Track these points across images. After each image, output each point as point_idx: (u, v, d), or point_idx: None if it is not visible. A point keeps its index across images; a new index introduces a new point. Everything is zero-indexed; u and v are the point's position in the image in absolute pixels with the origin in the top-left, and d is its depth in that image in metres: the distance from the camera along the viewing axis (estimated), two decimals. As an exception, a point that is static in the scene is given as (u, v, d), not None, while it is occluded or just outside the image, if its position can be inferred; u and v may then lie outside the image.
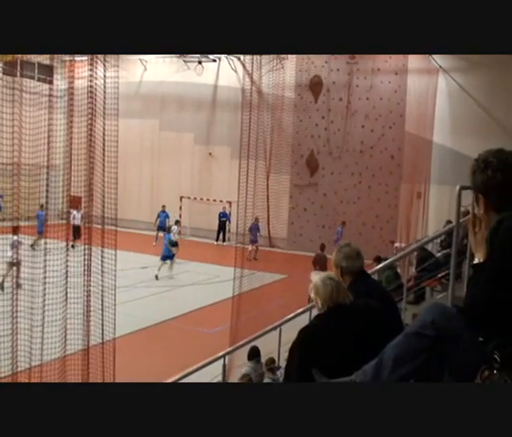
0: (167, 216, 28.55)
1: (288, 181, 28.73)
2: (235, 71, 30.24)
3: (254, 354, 9.85)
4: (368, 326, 3.67)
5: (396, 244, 24.16)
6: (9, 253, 15.76)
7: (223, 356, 8.74)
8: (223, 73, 31.17)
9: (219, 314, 16.54)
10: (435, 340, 2.80)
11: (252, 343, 9.92)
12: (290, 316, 9.56)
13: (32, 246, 18.76)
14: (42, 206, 19.39)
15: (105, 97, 8.17)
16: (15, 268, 15.47)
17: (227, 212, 29.92)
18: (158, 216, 28.64)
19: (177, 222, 23.52)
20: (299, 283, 19.95)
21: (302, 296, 15.24)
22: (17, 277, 13.83)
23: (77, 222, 22.27)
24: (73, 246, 18.49)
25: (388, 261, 8.81)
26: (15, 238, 15.87)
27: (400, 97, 26.68)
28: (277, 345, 9.90)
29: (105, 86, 8.13)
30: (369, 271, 5.40)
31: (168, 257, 21.20)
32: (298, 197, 29.38)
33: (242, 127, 12.77)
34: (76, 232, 20.82)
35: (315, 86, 28.63)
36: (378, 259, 12.99)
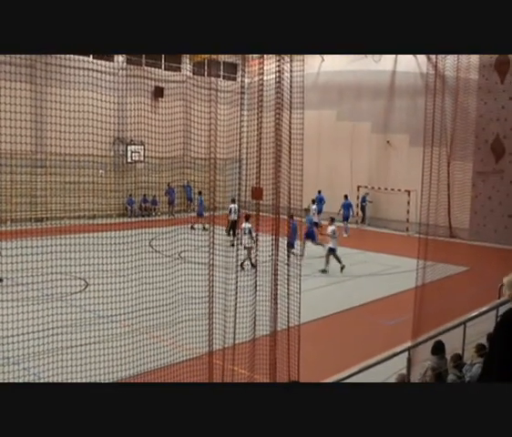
0: (350, 204, 29.90)
1: (470, 168, 27.24)
2: (415, 56, 29.40)
3: (439, 349, 9.47)
4: None
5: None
6: (245, 239, 18.80)
7: (408, 349, 8.53)
8: (402, 58, 30.38)
9: (397, 306, 16.27)
10: None
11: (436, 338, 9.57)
12: (475, 313, 9.12)
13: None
14: (200, 192, 25.79)
15: (291, 91, 8.46)
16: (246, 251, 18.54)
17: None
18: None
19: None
20: (482, 276, 18.96)
21: (486, 290, 14.47)
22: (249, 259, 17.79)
23: (234, 217, 23.56)
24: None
25: None
26: (248, 225, 18.78)
27: None
28: (461, 341, 9.51)
29: (291, 81, 8.41)
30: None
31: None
32: (481, 184, 27.78)
33: (426, 112, 12.38)
34: (233, 228, 22.74)
35: (502, 65, 26.84)
36: None
